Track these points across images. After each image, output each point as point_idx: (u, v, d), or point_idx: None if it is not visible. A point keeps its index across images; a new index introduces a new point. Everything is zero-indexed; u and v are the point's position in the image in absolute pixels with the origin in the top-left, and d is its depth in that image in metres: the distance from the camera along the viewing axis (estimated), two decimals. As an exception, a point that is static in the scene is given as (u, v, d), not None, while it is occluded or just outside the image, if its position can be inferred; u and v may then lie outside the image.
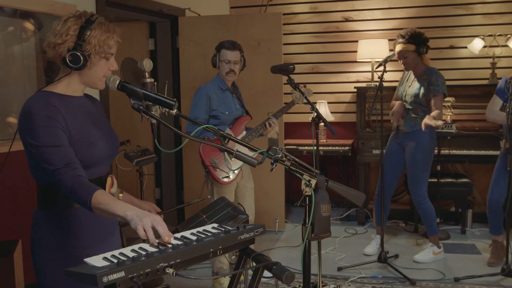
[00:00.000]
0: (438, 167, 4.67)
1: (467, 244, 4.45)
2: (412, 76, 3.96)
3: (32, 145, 1.61)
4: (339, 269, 3.87)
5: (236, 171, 3.39)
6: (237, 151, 1.70)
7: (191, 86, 4.73)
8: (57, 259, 1.70)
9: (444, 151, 4.72)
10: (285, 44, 4.86)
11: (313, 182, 1.78)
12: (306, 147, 5.27)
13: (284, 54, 4.82)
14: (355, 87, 5.26)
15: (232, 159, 3.37)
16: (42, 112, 1.62)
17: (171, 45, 4.94)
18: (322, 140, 5.40)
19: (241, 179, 3.55)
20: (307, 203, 1.80)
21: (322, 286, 3.30)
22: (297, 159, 1.78)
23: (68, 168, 1.57)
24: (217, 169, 3.28)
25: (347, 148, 5.20)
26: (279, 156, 1.73)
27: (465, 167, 5.14)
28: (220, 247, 1.43)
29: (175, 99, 1.67)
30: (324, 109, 5.29)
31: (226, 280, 3.47)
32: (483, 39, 5.01)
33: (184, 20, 4.79)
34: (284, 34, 4.83)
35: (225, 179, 3.34)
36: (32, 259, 1.75)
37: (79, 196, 1.54)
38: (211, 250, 1.41)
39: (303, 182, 1.79)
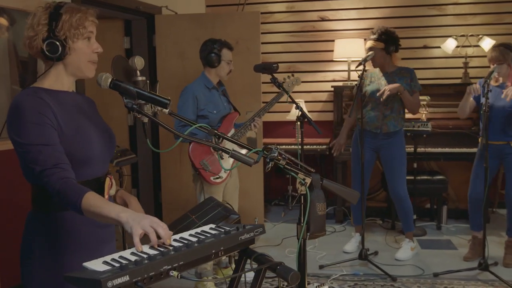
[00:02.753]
0: (415, 165, 4.75)
1: (443, 240, 4.55)
2: (380, 74, 3.99)
3: (19, 143, 1.53)
4: (321, 267, 3.89)
5: (227, 171, 3.37)
6: (233, 150, 1.67)
7: (169, 85, 4.66)
8: (47, 265, 1.62)
9: (420, 149, 4.80)
10: (262, 43, 4.85)
11: (308, 180, 1.77)
12: (284, 146, 5.28)
13: (261, 53, 4.82)
14: (332, 86, 5.30)
15: (223, 158, 3.34)
16: (32, 107, 1.54)
17: (147, 44, 4.86)
18: (299, 139, 5.41)
19: (230, 178, 3.53)
20: (302, 202, 1.79)
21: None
22: (292, 158, 1.76)
23: (56, 169, 1.49)
24: (208, 171, 3.26)
25: (324, 147, 5.23)
26: (275, 155, 1.71)
27: (439, 164, 5.24)
28: (221, 248, 1.40)
29: (169, 98, 1.63)
30: (301, 108, 5.31)
31: (209, 282, 3.43)
32: (456, 39, 5.13)
33: (161, 18, 4.72)
34: (261, 33, 4.83)
35: (217, 180, 3.31)
36: (20, 263, 1.67)
37: (68, 198, 1.46)
38: (213, 251, 1.38)
39: (298, 181, 1.77)
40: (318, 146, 5.23)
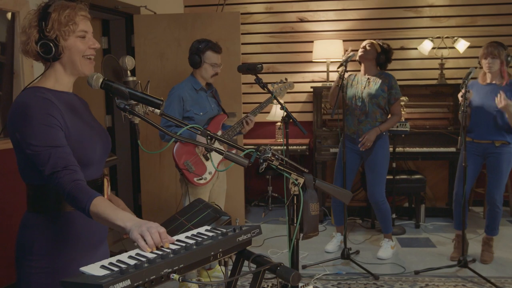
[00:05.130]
0: (394, 165, 4.81)
1: (422, 238, 4.62)
2: (363, 78, 4.02)
3: (29, 144, 1.49)
4: (304, 267, 3.90)
5: (212, 172, 3.33)
6: (227, 151, 1.66)
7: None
8: (45, 267, 1.59)
9: (399, 149, 4.87)
10: (241, 44, 4.84)
11: (301, 181, 1.77)
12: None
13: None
14: (311, 87, 5.33)
15: (208, 160, 3.31)
16: (41, 108, 1.52)
17: (125, 44, 4.79)
18: (279, 140, 5.44)
19: (216, 180, 3.50)
20: (295, 202, 1.79)
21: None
22: (285, 158, 1.76)
23: (66, 171, 1.48)
24: (191, 172, 3.22)
25: (304, 147, 5.25)
26: (269, 155, 1.71)
27: (417, 164, 5.33)
28: (220, 250, 1.39)
29: (162, 98, 1.60)
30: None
31: (194, 286, 3.40)
32: (432, 41, 5.23)
33: (139, 18, 4.65)
34: (240, 33, 4.82)
35: (201, 181, 3.28)
36: (16, 265, 1.63)
37: (78, 201, 1.46)
38: (212, 253, 1.36)
39: (290, 181, 1.77)
40: (298, 147, 5.25)
